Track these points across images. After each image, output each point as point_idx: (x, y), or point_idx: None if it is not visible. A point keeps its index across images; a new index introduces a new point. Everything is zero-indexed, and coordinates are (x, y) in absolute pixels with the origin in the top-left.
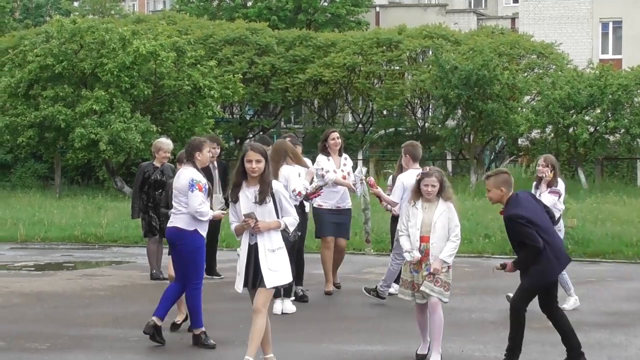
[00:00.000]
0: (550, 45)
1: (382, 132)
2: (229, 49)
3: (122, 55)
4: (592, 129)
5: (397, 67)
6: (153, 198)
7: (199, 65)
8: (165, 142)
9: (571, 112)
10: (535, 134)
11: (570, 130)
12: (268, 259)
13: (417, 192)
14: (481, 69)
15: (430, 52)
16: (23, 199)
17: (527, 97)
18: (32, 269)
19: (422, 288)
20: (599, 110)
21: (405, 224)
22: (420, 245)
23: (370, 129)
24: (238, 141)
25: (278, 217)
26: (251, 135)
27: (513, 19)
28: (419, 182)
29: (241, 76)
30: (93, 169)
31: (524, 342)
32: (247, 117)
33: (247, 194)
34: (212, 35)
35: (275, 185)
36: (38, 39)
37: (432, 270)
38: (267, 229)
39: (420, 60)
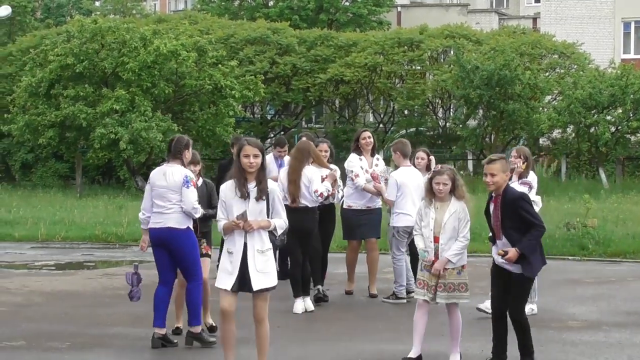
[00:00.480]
0: (571, 45)
1: (403, 132)
2: (250, 49)
3: (144, 54)
4: (613, 129)
5: (419, 67)
6: None
7: (220, 65)
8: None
9: (593, 111)
10: (556, 133)
11: (592, 130)
12: (257, 260)
13: (430, 191)
14: (503, 68)
15: (452, 52)
16: (44, 199)
17: (548, 97)
18: (53, 268)
19: (438, 300)
20: (620, 110)
21: (419, 224)
22: (433, 246)
23: (392, 128)
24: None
25: (268, 217)
26: (272, 135)
27: (535, 19)
28: (430, 180)
29: (262, 76)
30: (114, 169)
31: (544, 342)
32: (268, 117)
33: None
34: (233, 34)
35: (271, 184)
36: (59, 38)
37: (433, 271)
38: (258, 227)
39: (442, 60)
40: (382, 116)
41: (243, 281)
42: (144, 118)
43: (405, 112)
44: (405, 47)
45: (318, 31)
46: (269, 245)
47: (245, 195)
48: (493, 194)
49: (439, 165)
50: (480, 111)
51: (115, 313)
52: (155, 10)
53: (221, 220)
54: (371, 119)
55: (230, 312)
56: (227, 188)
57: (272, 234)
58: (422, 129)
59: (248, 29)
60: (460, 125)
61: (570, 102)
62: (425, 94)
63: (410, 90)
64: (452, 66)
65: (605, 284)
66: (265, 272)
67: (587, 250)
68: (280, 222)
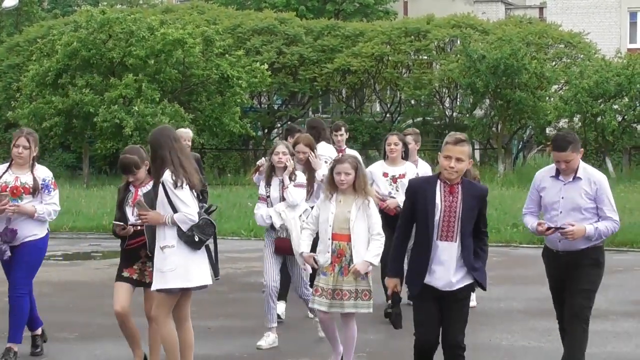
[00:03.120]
0: (578, 35)
1: (410, 121)
2: (257, 39)
3: (151, 41)
4: (620, 118)
5: (425, 57)
6: None
7: (227, 55)
8: (184, 131)
9: (599, 101)
10: (563, 123)
11: (598, 119)
12: (157, 257)
13: (332, 183)
14: (509, 58)
15: (458, 42)
16: None
17: (554, 87)
18: (60, 258)
19: (346, 310)
20: (627, 99)
21: (314, 218)
22: (332, 244)
23: (398, 118)
24: (266, 131)
25: (175, 212)
26: (279, 125)
27: (541, 9)
28: (332, 170)
29: (267, 65)
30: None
31: (551, 332)
32: (275, 107)
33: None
34: (240, 25)
35: (165, 175)
36: (66, 29)
37: (352, 270)
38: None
39: (448, 49)
40: (388, 106)
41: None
42: (152, 105)
43: (412, 101)
44: (412, 37)
45: (325, 21)
46: (171, 242)
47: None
48: (447, 181)
49: (341, 154)
50: (487, 101)
51: None
52: (162, 0)
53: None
54: (378, 109)
55: (149, 316)
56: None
57: (180, 229)
58: (428, 118)
59: (255, 19)
60: (467, 115)
61: (577, 92)
62: (432, 84)
63: (417, 80)
64: (458, 56)
65: (613, 273)
66: (161, 271)
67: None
68: (179, 216)
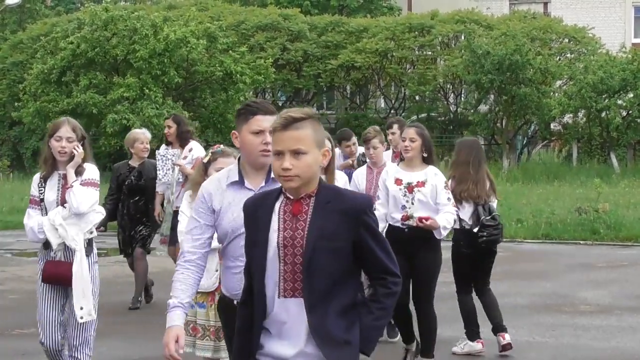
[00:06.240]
0: (582, 30)
1: (415, 117)
2: (261, 35)
3: (154, 42)
4: (624, 113)
5: (430, 53)
6: (128, 208)
7: (231, 52)
8: (141, 132)
9: (604, 96)
10: (567, 118)
11: (603, 114)
12: None
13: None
14: (514, 53)
15: (463, 37)
16: None
17: (559, 82)
18: None
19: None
20: (631, 95)
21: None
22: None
23: (403, 114)
24: None
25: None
26: None
27: (545, 4)
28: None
29: (272, 61)
30: (125, 156)
31: (556, 326)
32: (280, 103)
33: None
34: (244, 21)
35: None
36: (70, 26)
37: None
38: None
39: (453, 45)
40: (393, 102)
41: None
42: (155, 105)
43: (417, 97)
44: (416, 32)
45: (329, 17)
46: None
47: None
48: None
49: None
50: (492, 96)
51: (128, 300)
52: None
53: None
54: (382, 105)
55: None
56: None
57: None
58: (433, 114)
59: (259, 15)
60: (472, 111)
61: (581, 87)
62: (436, 80)
63: (422, 75)
64: (463, 51)
65: (617, 268)
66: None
67: (599, 235)
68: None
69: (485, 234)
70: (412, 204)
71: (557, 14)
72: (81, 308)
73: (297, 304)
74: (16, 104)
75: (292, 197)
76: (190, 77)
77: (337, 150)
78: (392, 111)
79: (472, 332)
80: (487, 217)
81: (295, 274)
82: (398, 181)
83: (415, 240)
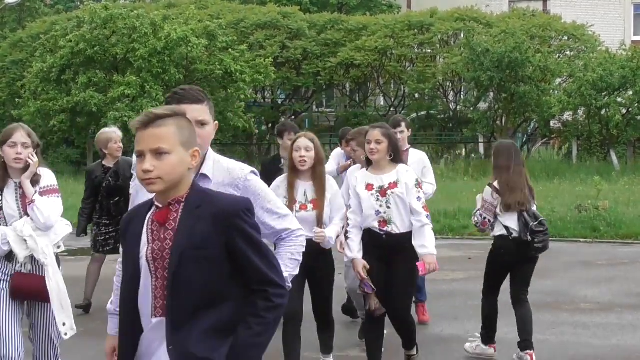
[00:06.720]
0: (582, 27)
1: (414, 115)
2: (261, 33)
3: (154, 41)
4: (624, 111)
5: (429, 50)
6: (108, 209)
7: (230, 50)
8: (112, 131)
9: (603, 94)
10: (567, 116)
11: (603, 112)
12: None
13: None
14: (513, 51)
15: (462, 35)
16: None
17: (558, 80)
18: (65, 254)
19: None
20: (631, 92)
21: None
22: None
23: (402, 112)
24: (270, 125)
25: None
26: (283, 120)
27: (545, 1)
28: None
29: (272, 60)
30: (125, 154)
31: (556, 324)
32: (279, 102)
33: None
34: (243, 19)
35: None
36: (69, 24)
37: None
38: None
39: (452, 43)
40: (392, 100)
41: None
42: (155, 103)
43: (416, 95)
44: (416, 30)
45: (328, 15)
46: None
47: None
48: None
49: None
50: (491, 94)
51: None
52: None
53: None
54: (382, 103)
55: None
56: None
57: None
58: (433, 112)
59: (258, 13)
60: (471, 108)
61: (581, 85)
62: (435, 77)
63: (421, 73)
64: (462, 49)
65: (617, 265)
66: None
67: (599, 232)
68: None
69: (537, 240)
70: (388, 207)
71: (557, 12)
72: (64, 324)
73: (160, 325)
74: (16, 101)
75: (160, 205)
76: (189, 76)
77: (340, 150)
78: (391, 109)
79: (488, 336)
80: (535, 223)
81: (165, 290)
82: (369, 186)
83: (395, 246)
